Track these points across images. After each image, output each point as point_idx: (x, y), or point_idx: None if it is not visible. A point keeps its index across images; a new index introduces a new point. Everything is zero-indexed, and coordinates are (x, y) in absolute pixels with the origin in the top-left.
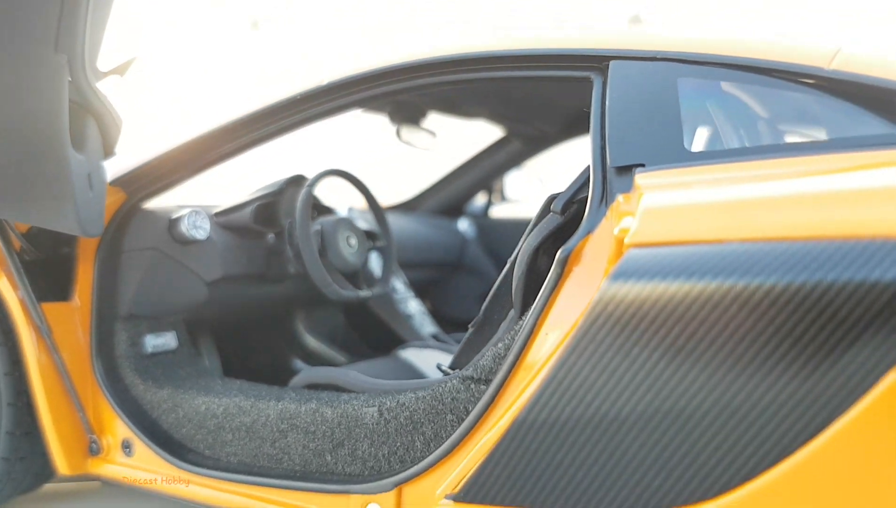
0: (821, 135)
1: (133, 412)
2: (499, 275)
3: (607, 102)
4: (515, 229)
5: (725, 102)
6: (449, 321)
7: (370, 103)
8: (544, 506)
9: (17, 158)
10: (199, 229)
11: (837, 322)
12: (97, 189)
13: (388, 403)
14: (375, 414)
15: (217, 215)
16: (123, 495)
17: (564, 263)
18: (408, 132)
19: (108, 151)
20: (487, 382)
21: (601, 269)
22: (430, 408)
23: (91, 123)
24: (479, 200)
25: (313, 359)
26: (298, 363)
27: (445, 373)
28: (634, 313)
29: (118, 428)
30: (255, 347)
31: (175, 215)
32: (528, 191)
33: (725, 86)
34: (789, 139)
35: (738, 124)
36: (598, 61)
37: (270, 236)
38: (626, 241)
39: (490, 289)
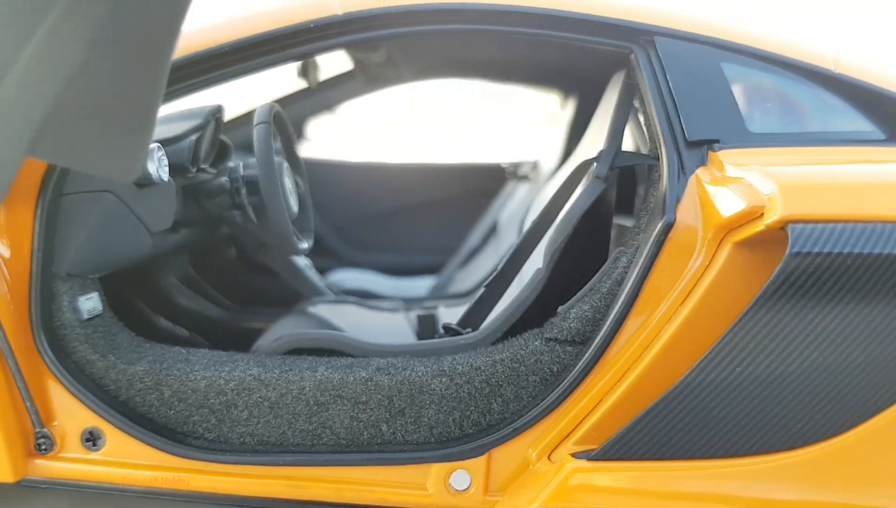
0: (827, 126)
1: (96, 394)
2: (320, 221)
3: (669, 77)
4: (332, 171)
5: (759, 88)
6: (260, 270)
7: (382, 42)
8: (687, 456)
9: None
10: (165, 169)
11: None
12: None
13: (460, 367)
14: (446, 380)
15: None
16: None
17: (667, 230)
18: (311, 67)
19: None
20: (574, 343)
21: (696, 237)
22: (511, 370)
23: None
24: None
25: (178, 315)
26: (163, 322)
27: (457, 331)
28: (812, 284)
29: (76, 416)
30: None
31: None
32: (330, 133)
33: (757, 74)
34: (810, 128)
35: (771, 110)
36: (640, 35)
37: (224, 180)
38: (777, 217)
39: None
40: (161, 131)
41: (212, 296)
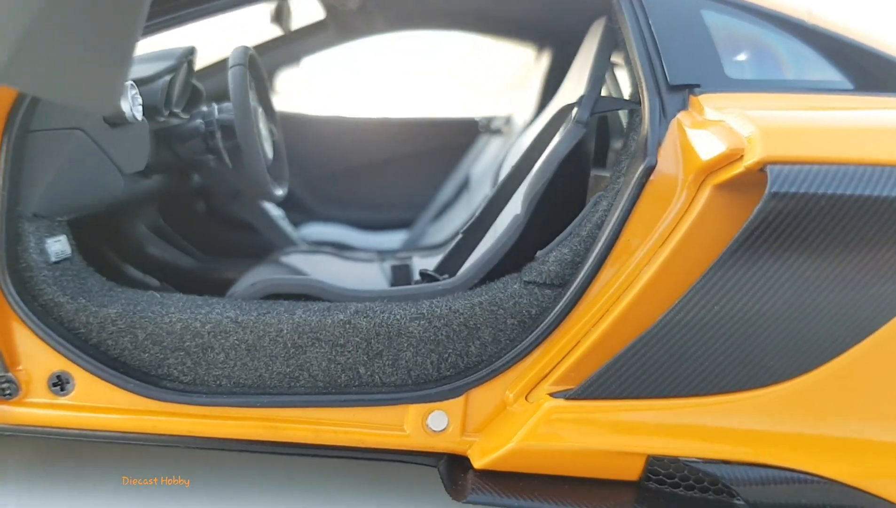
0: (801, 74)
1: (64, 337)
2: (290, 175)
3: (651, 21)
4: (301, 124)
5: (737, 36)
6: (230, 222)
7: None
8: (665, 394)
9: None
10: (138, 108)
11: None
12: None
13: (439, 310)
14: (424, 322)
15: None
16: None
17: (648, 174)
18: (284, 12)
19: None
20: (553, 287)
21: (677, 180)
22: (489, 313)
23: None
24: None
25: (147, 264)
26: (132, 271)
27: (433, 278)
28: (789, 223)
29: (42, 360)
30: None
31: None
32: (299, 86)
33: (735, 22)
34: (786, 76)
35: (749, 57)
36: None
37: (199, 123)
38: (757, 158)
39: None
40: (134, 71)
41: (182, 246)
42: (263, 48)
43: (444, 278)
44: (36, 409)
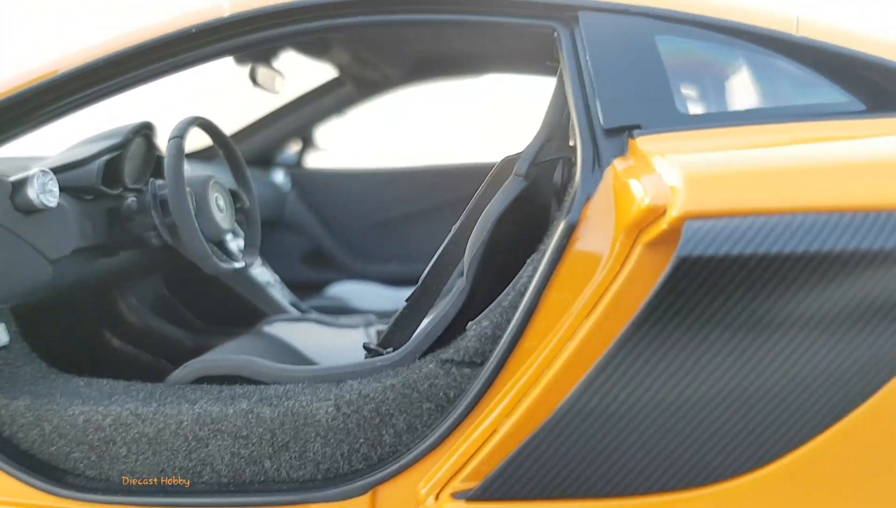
0: (788, 100)
1: None
2: (323, 232)
3: (587, 58)
4: (334, 180)
5: (703, 63)
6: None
7: (282, 42)
8: (577, 494)
9: None
10: (50, 194)
11: None
12: None
13: (348, 395)
14: (332, 409)
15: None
16: None
17: (570, 233)
18: (263, 74)
19: None
20: (473, 365)
21: (607, 239)
22: (402, 397)
23: None
24: (292, 148)
25: (140, 339)
26: (128, 348)
27: (376, 352)
28: (707, 290)
29: None
30: (60, 330)
31: (16, 177)
32: (340, 140)
33: (701, 46)
34: (766, 104)
35: (716, 87)
36: (563, 11)
37: (132, 200)
38: (676, 213)
39: (315, 247)
40: (62, 157)
41: (181, 316)
42: (289, 108)
43: (388, 352)
44: None
